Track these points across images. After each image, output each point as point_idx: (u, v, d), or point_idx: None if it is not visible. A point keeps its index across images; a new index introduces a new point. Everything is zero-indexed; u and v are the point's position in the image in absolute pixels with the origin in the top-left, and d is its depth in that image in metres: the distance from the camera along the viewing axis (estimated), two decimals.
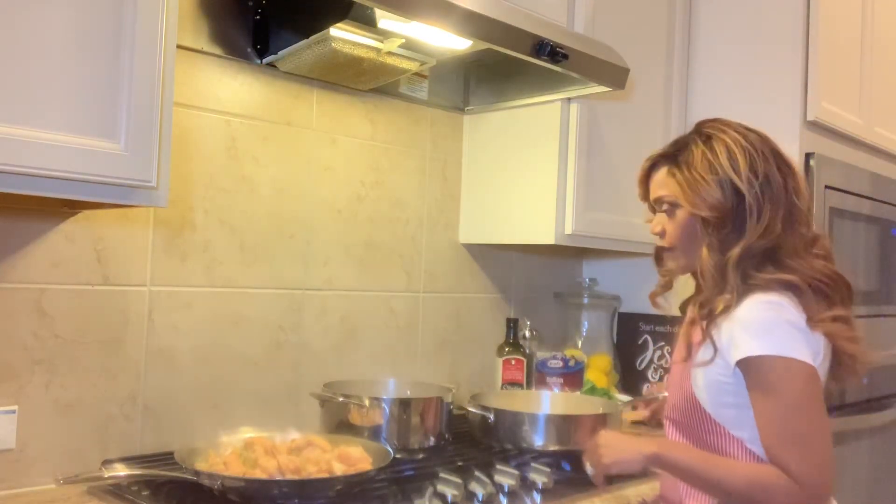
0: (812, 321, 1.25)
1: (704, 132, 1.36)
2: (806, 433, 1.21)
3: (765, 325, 1.24)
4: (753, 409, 1.25)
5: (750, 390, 1.25)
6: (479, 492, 1.44)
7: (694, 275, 1.38)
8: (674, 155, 1.38)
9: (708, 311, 1.32)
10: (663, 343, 2.40)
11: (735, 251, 1.28)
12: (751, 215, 1.29)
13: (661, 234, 1.43)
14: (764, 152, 1.32)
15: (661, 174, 1.40)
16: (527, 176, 2.10)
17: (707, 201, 1.30)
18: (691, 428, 1.35)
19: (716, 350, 1.28)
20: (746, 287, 1.28)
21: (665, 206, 1.40)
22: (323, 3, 1.58)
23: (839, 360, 1.30)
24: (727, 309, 1.28)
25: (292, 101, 1.86)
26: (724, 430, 1.30)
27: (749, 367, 1.24)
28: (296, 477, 1.36)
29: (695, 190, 1.32)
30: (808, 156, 2.25)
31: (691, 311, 1.39)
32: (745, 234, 1.28)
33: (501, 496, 1.46)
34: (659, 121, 2.31)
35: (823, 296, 1.28)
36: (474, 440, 1.83)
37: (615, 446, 1.34)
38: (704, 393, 1.31)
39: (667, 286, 1.47)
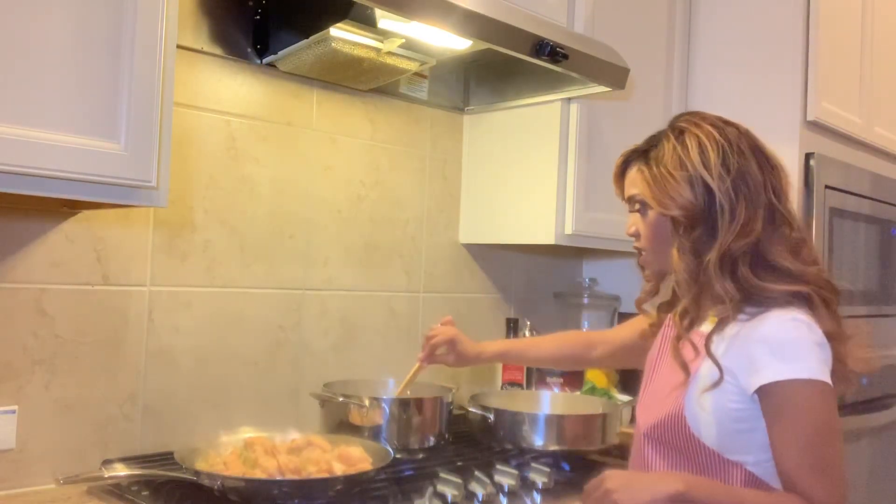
0: (831, 339, 1.19)
1: (678, 126, 1.28)
2: (831, 460, 1.14)
3: (795, 346, 1.15)
4: (773, 434, 1.16)
5: (772, 415, 1.15)
6: (479, 492, 1.44)
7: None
8: (646, 151, 1.30)
9: (689, 321, 1.24)
10: None
11: (712, 255, 1.19)
12: (722, 214, 1.19)
13: (636, 236, 1.35)
14: (740, 147, 1.23)
15: (633, 171, 1.32)
16: (527, 176, 2.10)
17: (675, 200, 1.22)
18: (678, 449, 1.25)
19: (721, 371, 1.18)
20: (754, 301, 1.19)
21: (637, 206, 1.32)
22: (323, 3, 1.58)
23: (833, 368, 1.20)
24: (724, 322, 1.20)
25: (292, 101, 1.86)
26: (717, 453, 1.21)
27: (774, 391, 1.14)
28: (296, 477, 1.36)
29: (662, 188, 1.23)
30: (808, 156, 2.25)
31: (676, 325, 1.28)
32: (719, 235, 1.19)
33: (501, 496, 1.46)
34: (659, 121, 2.27)
35: (830, 308, 1.21)
36: (474, 440, 1.83)
37: (630, 488, 1.12)
38: (712, 419, 1.20)
39: (652, 291, 1.38)
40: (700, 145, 1.22)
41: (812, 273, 1.21)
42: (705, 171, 1.21)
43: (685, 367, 1.23)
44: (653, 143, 1.30)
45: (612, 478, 1.15)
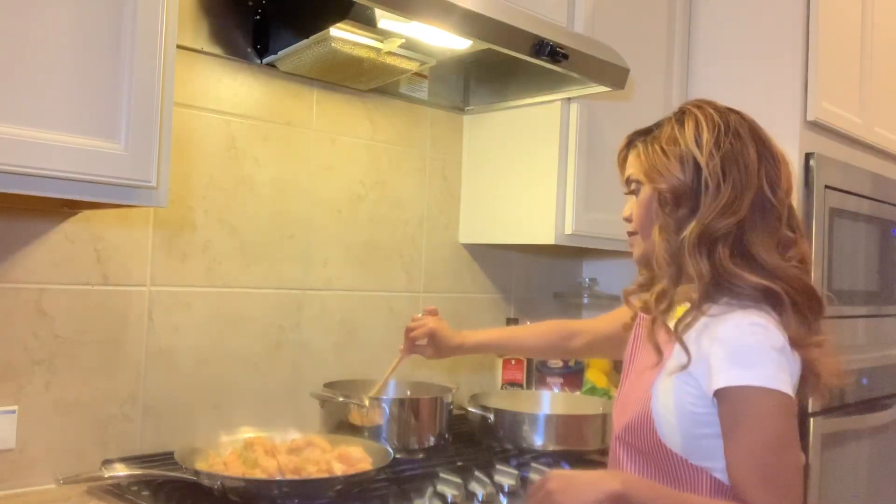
0: (796, 346, 1.15)
1: (682, 109, 1.28)
2: (783, 471, 1.11)
3: (751, 352, 1.12)
4: (726, 441, 1.13)
5: (726, 421, 1.13)
6: (479, 492, 1.44)
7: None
8: (647, 132, 1.30)
9: (667, 305, 1.20)
10: None
11: (690, 230, 1.16)
12: (706, 190, 1.17)
13: (630, 219, 1.32)
14: (738, 130, 1.21)
15: (633, 153, 1.31)
16: (527, 176, 2.10)
17: (664, 175, 1.20)
18: (645, 453, 1.23)
19: (689, 357, 1.15)
20: (723, 290, 1.16)
21: (633, 186, 1.30)
22: (323, 3, 1.58)
23: (805, 377, 1.19)
24: (694, 309, 1.17)
25: (292, 101, 1.86)
26: (683, 459, 1.18)
27: (728, 397, 1.12)
28: (296, 477, 1.36)
29: (653, 164, 1.22)
30: (808, 156, 2.25)
31: (651, 308, 1.24)
32: (700, 210, 1.17)
33: (501, 496, 1.46)
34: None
35: (800, 312, 1.17)
36: (474, 440, 1.83)
37: (571, 490, 1.11)
38: (675, 421, 1.18)
39: (644, 284, 1.33)
40: (696, 125, 1.22)
41: (791, 272, 1.17)
42: (696, 148, 1.19)
43: (658, 350, 1.20)
44: (657, 124, 1.30)
45: (554, 478, 1.14)
